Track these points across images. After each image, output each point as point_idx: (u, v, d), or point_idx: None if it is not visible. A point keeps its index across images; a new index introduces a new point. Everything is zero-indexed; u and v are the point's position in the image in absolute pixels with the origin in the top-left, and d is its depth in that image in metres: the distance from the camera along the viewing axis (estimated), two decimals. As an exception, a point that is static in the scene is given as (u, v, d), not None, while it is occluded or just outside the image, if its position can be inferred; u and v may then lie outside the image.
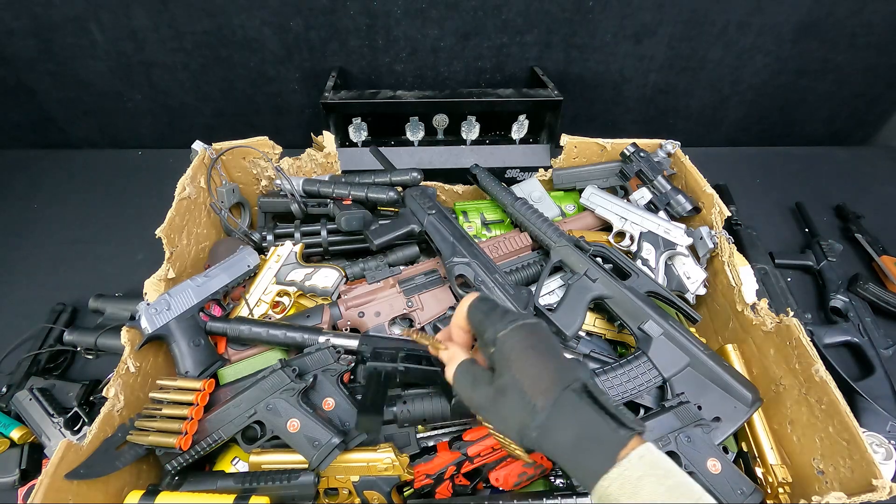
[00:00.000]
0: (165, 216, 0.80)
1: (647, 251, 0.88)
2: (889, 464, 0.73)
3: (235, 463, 0.71)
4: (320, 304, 0.84)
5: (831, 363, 0.86)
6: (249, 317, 0.83)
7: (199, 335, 0.74)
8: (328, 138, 1.00)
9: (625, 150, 0.98)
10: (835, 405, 0.61)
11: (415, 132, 1.18)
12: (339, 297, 0.85)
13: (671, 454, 0.62)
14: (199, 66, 1.30)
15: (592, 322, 0.84)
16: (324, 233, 0.94)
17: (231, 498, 0.61)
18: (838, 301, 1.00)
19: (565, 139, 1.01)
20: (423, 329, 0.83)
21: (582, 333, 0.83)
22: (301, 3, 1.19)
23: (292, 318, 0.82)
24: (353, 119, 1.16)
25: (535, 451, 0.39)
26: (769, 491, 0.67)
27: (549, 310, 0.76)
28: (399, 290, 0.83)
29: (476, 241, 0.87)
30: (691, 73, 1.38)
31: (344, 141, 1.21)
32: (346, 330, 0.81)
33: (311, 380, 0.68)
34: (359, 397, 0.72)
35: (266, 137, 0.97)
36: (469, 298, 0.46)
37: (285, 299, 0.87)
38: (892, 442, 0.76)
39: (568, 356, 0.74)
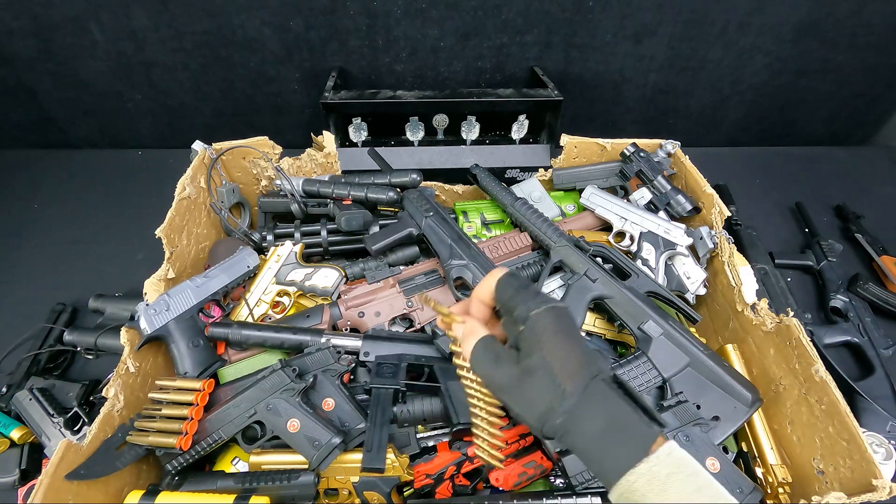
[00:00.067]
0: (165, 216, 0.80)
1: (647, 251, 0.88)
2: (889, 464, 0.73)
3: (235, 463, 0.71)
4: (320, 304, 0.84)
5: (831, 363, 0.86)
6: (251, 321, 0.83)
7: (199, 336, 0.74)
8: (328, 138, 1.00)
9: (625, 150, 0.98)
10: (835, 405, 0.61)
11: (415, 132, 1.18)
12: (339, 297, 0.85)
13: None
14: (199, 66, 1.30)
15: (592, 322, 0.84)
16: (324, 233, 0.94)
17: (231, 498, 0.61)
18: (838, 301, 1.00)
19: (565, 139, 1.01)
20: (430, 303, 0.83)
21: (582, 333, 0.83)
22: (301, 3, 1.19)
23: (292, 318, 0.82)
24: (353, 119, 1.16)
25: (554, 438, 0.36)
26: (769, 491, 0.67)
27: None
28: (399, 290, 0.83)
29: (476, 241, 0.88)
30: (691, 73, 1.38)
31: (344, 141, 1.21)
32: (346, 330, 0.81)
33: (312, 380, 0.68)
34: (359, 397, 0.72)
35: (266, 137, 0.97)
36: (498, 273, 0.43)
37: (285, 299, 0.87)
38: (892, 442, 0.76)
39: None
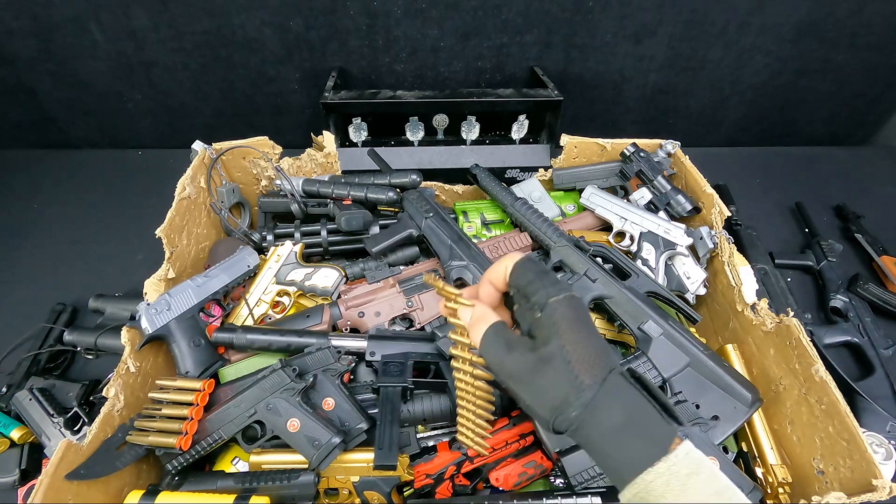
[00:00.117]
0: (165, 216, 0.80)
1: (647, 251, 0.88)
2: (889, 464, 0.73)
3: (235, 463, 0.71)
4: (320, 304, 0.84)
5: (831, 363, 0.86)
6: (252, 322, 0.83)
7: (200, 335, 0.74)
8: (328, 138, 1.00)
9: (625, 150, 0.98)
10: (835, 405, 0.61)
11: (415, 132, 1.18)
12: (339, 297, 0.85)
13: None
14: (199, 66, 1.30)
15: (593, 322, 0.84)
16: (324, 233, 0.94)
17: (231, 498, 0.61)
18: (838, 301, 1.00)
19: (565, 139, 1.01)
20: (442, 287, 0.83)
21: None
22: (301, 3, 1.19)
23: (292, 318, 0.82)
24: (353, 119, 1.16)
25: (565, 432, 0.35)
26: (769, 491, 0.67)
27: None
28: (399, 289, 0.83)
29: (476, 241, 0.88)
30: (691, 73, 1.38)
31: (344, 141, 1.21)
32: (346, 330, 0.81)
33: (312, 379, 0.69)
34: (359, 397, 0.72)
35: (266, 137, 0.97)
36: (514, 256, 0.41)
37: (285, 299, 0.87)
38: (892, 442, 0.76)
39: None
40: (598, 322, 0.84)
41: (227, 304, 0.85)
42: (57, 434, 0.76)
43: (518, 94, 1.16)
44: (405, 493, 0.68)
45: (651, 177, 0.94)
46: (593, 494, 0.61)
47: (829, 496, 0.55)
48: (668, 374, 0.70)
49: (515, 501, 0.64)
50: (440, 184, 1.05)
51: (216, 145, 0.95)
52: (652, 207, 0.95)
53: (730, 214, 0.88)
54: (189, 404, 0.64)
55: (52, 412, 0.77)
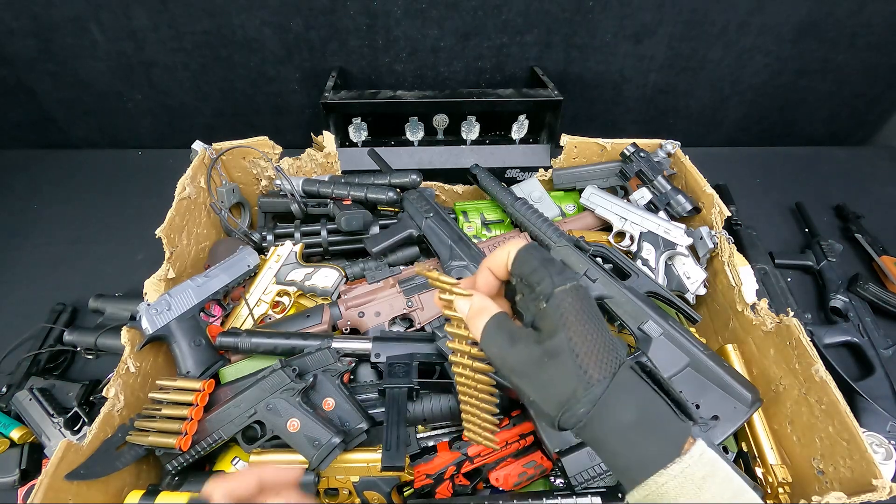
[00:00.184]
0: (165, 216, 0.80)
1: (647, 251, 0.88)
2: (889, 464, 0.73)
3: (236, 463, 0.71)
4: (320, 304, 0.84)
5: (831, 363, 0.86)
6: (255, 325, 0.83)
7: (200, 335, 0.74)
8: (328, 138, 1.00)
9: (625, 150, 0.98)
10: (835, 405, 0.61)
11: (415, 132, 1.18)
12: (339, 297, 0.85)
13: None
14: (199, 66, 1.30)
15: (592, 322, 0.84)
16: (324, 233, 0.94)
17: (231, 498, 0.61)
18: (838, 301, 1.00)
19: (565, 139, 1.01)
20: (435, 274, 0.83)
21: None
22: (301, 3, 1.19)
23: (292, 318, 0.82)
24: (353, 119, 1.16)
25: (571, 429, 0.33)
26: (769, 491, 0.67)
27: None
28: (399, 289, 0.83)
29: (476, 241, 0.88)
30: (691, 73, 1.38)
31: (344, 141, 1.21)
32: (346, 330, 0.81)
33: (312, 380, 0.68)
34: (360, 397, 0.72)
35: (266, 137, 0.97)
36: (517, 243, 0.39)
37: (285, 299, 0.87)
38: (892, 442, 0.76)
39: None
40: (598, 322, 0.84)
41: (228, 304, 0.85)
42: (57, 434, 0.76)
43: (518, 94, 1.16)
44: (405, 493, 0.68)
45: (651, 177, 0.94)
46: (593, 494, 0.61)
47: (829, 496, 0.55)
48: (668, 374, 0.70)
49: (515, 501, 0.64)
50: (440, 184, 1.05)
51: (216, 145, 0.95)
52: (652, 207, 0.95)
53: (730, 214, 0.88)
54: (189, 404, 0.64)
55: (52, 412, 0.77)
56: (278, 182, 0.97)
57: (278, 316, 0.86)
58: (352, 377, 0.77)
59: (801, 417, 0.66)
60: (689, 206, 0.91)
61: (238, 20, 1.21)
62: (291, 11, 1.20)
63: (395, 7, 1.20)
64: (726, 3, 1.23)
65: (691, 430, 0.32)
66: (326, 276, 0.86)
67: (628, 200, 0.97)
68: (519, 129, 1.19)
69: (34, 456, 0.76)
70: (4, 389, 0.83)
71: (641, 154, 0.96)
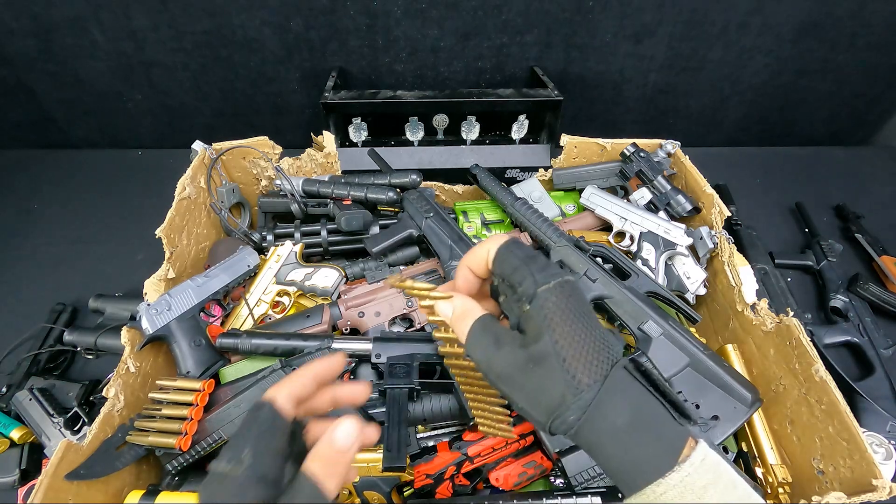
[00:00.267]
0: (165, 216, 0.80)
1: (647, 251, 0.88)
2: (889, 464, 0.73)
3: (235, 463, 0.70)
4: (320, 304, 0.84)
5: (831, 363, 0.86)
6: (255, 325, 0.83)
7: (200, 335, 0.74)
8: (328, 138, 1.00)
9: (625, 150, 0.98)
10: (835, 405, 0.61)
11: (415, 132, 1.18)
12: (339, 297, 0.85)
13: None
14: (199, 66, 1.30)
15: (592, 322, 0.84)
16: (324, 233, 0.94)
17: (231, 498, 0.61)
18: (838, 301, 1.00)
19: (565, 139, 1.01)
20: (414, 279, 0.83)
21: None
22: (301, 3, 1.19)
23: (292, 318, 0.82)
24: (353, 119, 1.16)
25: (564, 435, 0.31)
26: (769, 491, 0.67)
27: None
28: (405, 277, 0.83)
29: (476, 241, 0.88)
30: (691, 73, 1.38)
31: (344, 141, 1.21)
32: (346, 330, 0.81)
33: (311, 380, 0.68)
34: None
35: (266, 137, 0.97)
36: (499, 239, 0.36)
37: (285, 299, 0.87)
38: (892, 442, 0.76)
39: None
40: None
41: (228, 304, 0.85)
42: (57, 434, 0.76)
43: (518, 94, 1.16)
44: (405, 493, 0.68)
45: (651, 177, 0.94)
46: (593, 494, 0.61)
47: (829, 496, 0.55)
48: (668, 374, 0.70)
49: (515, 501, 0.64)
50: (440, 184, 1.05)
51: (216, 145, 0.95)
52: (652, 207, 0.95)
53: (730, 214, 0.88)
54: (189, 404, 0.64)
55: (52, 412, 0.77)
56: (278, 182, 0.97)
57: (278, 316, 0.86)
58: (352, 377, 0.77)
59: (801, 417, 0.66)
60: (689, 206, 0.91)
61: (238, 20, 1.21)
62: (291, 11, 1.20)
63: (395, 7, 1.20)
64: (726, 3, 1.23)
65: (690, 432, 0.30)
66: (326, 276, 0.86)
67: (628, 200, 0.97)
68: (519, 129, 1.19)
69: (34, 456, 0.76)
70: (4, 389, 0.83)
71: (641, 154, 0.96)
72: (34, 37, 1.22)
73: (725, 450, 0.71)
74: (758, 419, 0.71)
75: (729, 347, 0.79)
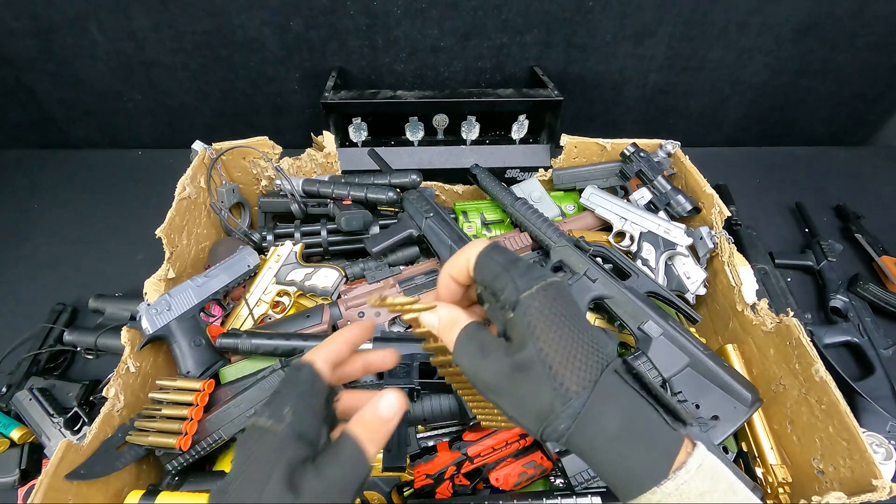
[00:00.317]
0: (165, 216, 0.80)
1: (647, 251, 0.88)
2: (889, 464, 0.73)
3: (235, 463, 0.70)
4: (320, 304, 0.84)
5: (831, 363, 0.86)
6: (256, 325, 0.83)
7: (200, 335, 0.74)
8: (328, 138, 1.00)
9: (625, 150, 0.98)
10: (835, 405, 0.61)
11: (415, 132, 1.18)
12: (339, 297, 0.85)
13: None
14: (199, 66, 1.30)
15: (592, 322, 0.84)
16: (324, 233, 0.94)
17: (231, 498, 0.61)
18: (838, 301, 1.00)
19: (565, 139, 1.01)
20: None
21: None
22: (301, 3, 1.19)
23: (292, 318, 0.82)
24: (353, 119, 1.16)
25: (556, 442, 0.30)
26: (769, 491, 0.67)
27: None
28: (399, 289, 0.83)
29: (476, 241, 0.87)
30: (691, 73, 1.38)
31: (344, 141, 1.21)
32: (346, 330, 0.81)
33: (311, 380, 0.68)
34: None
35: (266, 137, 0.97)
36: (478, 245, 0.35)
37: (285, 299, 0.87)
38: (892, 442, 0.76)
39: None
40: (599, 322, 0.84)
41: (228, 304, 0.85)
42: (57, 434, 0.76)
43: (518, 94, 1.16)
44: (405, 493, 0.68)
45: (651, 177, 0.94)
46: (593, 494, 0.61)
47: (829, 496, 0.55)
48: (668, 374, 0.70)
49: (515, 501, 0.64)
50: (440, 184, 1.05)
51: (216, 145, 0.95)
52: (652, 207, 0.95)
53: (730, 214, 0.88)
54: (189, 404, 0.64)
55: (52, 412, 0.77)
56: (278, 182, 0.97)
57: (278, 316, 0.86)
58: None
59: (801, 417, 0.66)
60: (689, 206, 0.91)
61: (238, 20, 1.21)
62: (291, 11, 1.20)
63: (395, 7, 1.20)
64: (726, 3, 1.23)
65: (690, 435, 0.30)
66: (326, 276, 0.86)
67: (628, 200, 0.97)
68: (519, 129, 1.19)
69: (34, 456, 0.76)
70: (4, 389, 0.83)
71: (641, 154, 0.96)
72: (34, 37, 1.22)
73: (725, 450, 0.71)
74: (758, 419, 0.71)
75: (729, 347, 0.79)
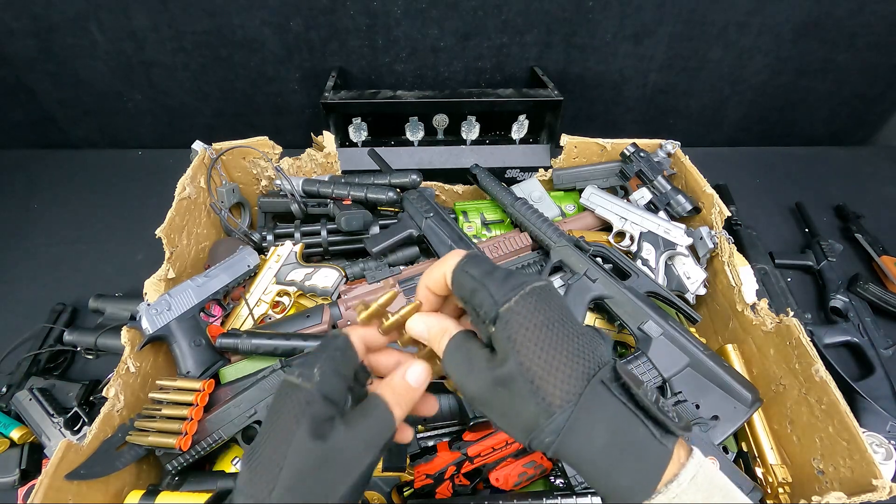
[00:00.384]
0: (165, 216, 0.80)
1: (647, 251, 0.88)
2: (889, 464, 0.73)
3: (236, 463, 0.71)
4: (320, 304, 0.84)
5: (831, 363, 0.86)
6: (256, 325, 0.83)
7: (200, 335, 0.74)
8: (328, 138, 1.00)
9: (625, 150, 0.98)
10: (835, 405, 0.61)
11: (415, 132, 1.18)
12: (339, 297, 0.85)
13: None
14: (199, 66, 1.30)
15: (592, 322, 0.84)
16: (324, 233, 0.94)
17: (231, 498, 0.61)
18: (838, 301, 1.00)
19: (565, 139, 1.01)
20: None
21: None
22: (301, 3, 1.19)
23: (292, 318, 0.82)
24: (353, 119, 1.16)
25: (548, 455, 0.30)
26: (769, 491, 0.67)
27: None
28: (399, 289, 0.83)
29: (476, 241, 0.88)
30: (691, 73, 1.38)
31: (344, 141, 1.21)
32: (346, 330, 0.81)
33: (311, 380, 0.68)
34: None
35: (266, 137, 0.97)
36: (453, 259, 0.34)
37: (285, 299, 0.87)
38: (892, 442, 0.76)
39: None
40: (599, 322, 0.84)
41: (228, 304, 0.85)
42: (57, 434, 0.76)
43: (518, 94, 1.16)
44: (405, 493, 0.68)
45: (651, 177, 0.94)
46: (593, 494, 0.61)
47: (829, 496, 0.55)
48: (668, 374, 0.70)
49: (515, 501, 0.64)
50: (440, 184, 1.05)
51: (216, 145, 0.95)
52: (652, 207, 0.95)
53: (730, 214, 0.88)
54: (189, 404, 0.64)
55: (52, 412, 0.77)
56: (278, 182, 0.97)
57: (278, 316, 0.86)
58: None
59: (801, 417, 0.66)
60: (689, 206, 0.91)
61: (238, 20, 1.21)
62: (291, 11, 1.20)
63: (395, 7, 1.20)
64: (726, 3, 1.23)
65: (679, 447, 0.29)
66: (326, 276, 0.86)
67: (628, 200, 0.97)
68: (519, 129, 1.19)
69: (34, 456, 0.76)
70: (4, 389, 0.83)
71: (641, 154, 0.96)
72: (34, 37, 1.22)
73: (725, 450, 0.71)
74: (758, 419, 0.71)
75: (729, 347, 0.79)
